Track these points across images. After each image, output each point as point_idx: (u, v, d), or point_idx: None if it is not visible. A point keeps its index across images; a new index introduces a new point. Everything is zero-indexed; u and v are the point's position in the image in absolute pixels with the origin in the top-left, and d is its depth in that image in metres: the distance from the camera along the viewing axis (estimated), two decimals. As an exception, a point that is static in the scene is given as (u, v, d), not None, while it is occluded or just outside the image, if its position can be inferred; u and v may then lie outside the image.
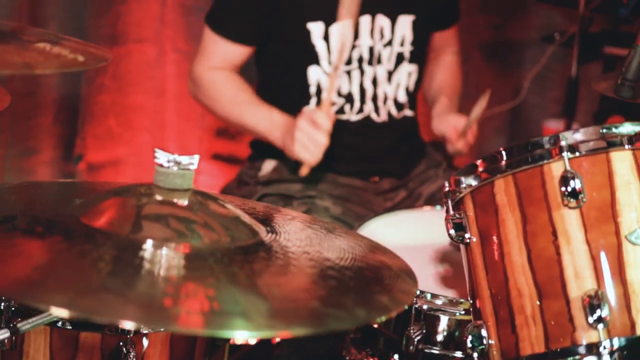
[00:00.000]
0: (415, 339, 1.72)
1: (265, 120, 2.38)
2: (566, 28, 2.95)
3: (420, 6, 2.44)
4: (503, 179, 1.43)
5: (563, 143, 1.38)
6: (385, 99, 2.43)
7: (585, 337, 1.34)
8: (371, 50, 2.40)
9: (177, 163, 1.34)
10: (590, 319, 1.33)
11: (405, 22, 2.42)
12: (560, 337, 1.35)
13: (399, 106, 2.45)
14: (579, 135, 1.39)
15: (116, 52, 3.07)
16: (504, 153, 1.45)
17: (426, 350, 1.73)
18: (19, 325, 1.35)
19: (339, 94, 2.39)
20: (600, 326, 1.33)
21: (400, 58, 2.43)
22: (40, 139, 3.07)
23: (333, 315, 1.08)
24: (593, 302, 1.33)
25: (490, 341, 1.43)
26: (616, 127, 1.40)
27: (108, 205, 1.33)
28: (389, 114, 2.43)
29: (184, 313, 1.12)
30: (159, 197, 1.33)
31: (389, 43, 2.42)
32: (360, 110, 2.42)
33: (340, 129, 2.37)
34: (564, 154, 1.37)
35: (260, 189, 2.44)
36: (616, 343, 1.32)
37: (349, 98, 2.40)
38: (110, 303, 1.12)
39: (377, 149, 2.42)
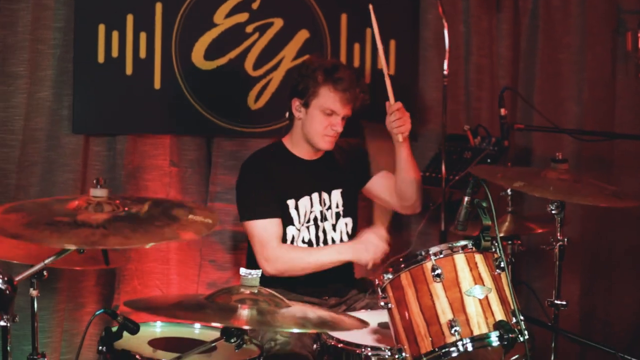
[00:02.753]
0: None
1: (334, 252, 3.72)
2: (436, 199, 4.25)
3: (345, 183, 3.90)
4: (404, 273, 2.91)
5: (431, 252, 2.87)
6: (333, 242, 3.88)
7: (450, 339, 2.79)
8: (321, 213, 3.85)
9: (251, 274, 2.76)
10: (452, 331, 2.79)
11: (336, 194, 3.88)
12: (439, 340, 2.80)
13: None
14: (438, 249, 2.89)
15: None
16: (402, 261, 2.93)
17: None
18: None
19: (303, 241, 3.82)
20: (456, 333, 2.78)
21: (338, 215, 3.89)
22: (86, 296, 4.32)
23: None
24: (452, 324, 2.80)
25: (405, 354, 2.87)
26: (456, 243, 2.90)
27: (221, 296, 2.74)
28: None
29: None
30: (243, 290, 2.75)
31: (329, 207, 3.90)
32: None
33: (305, 277, 3.78)
34: (432, 257, 2.87)
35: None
36: (464, 340, 2.78)
37: (309, 243, 3.80)
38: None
39: (327, 277, 3.85)
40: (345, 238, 3.91)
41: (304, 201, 3.82)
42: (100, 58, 4.16)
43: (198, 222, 2.63)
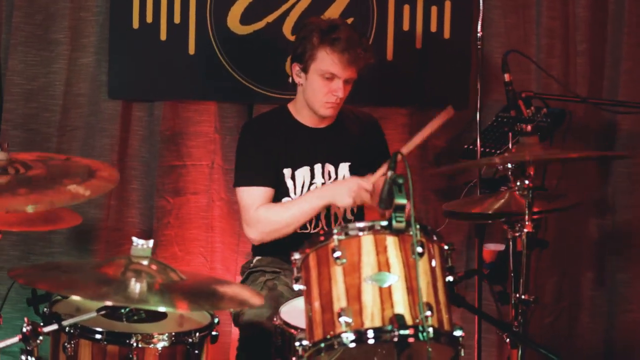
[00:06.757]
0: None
1: (314, 198, 3.46)
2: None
3: (354, 156, 3.65)
4: (312, 253, 2.65)
5: (334, 232, 2.60)
6: (337, 217, 3.66)
7: (339, 329, 2.49)
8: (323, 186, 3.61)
9: (143, 245, 2.64)
10: (341, 320, 2.50)
11: (344, 167, 3.65)
12: (329, 329, 2.51)
13: (348, 221, 3.62)
14: (342, 228, 2.61)
15: (178, 201, 4.27)
16: (318, 236, 2.67)
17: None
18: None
19: None
20: (344, 323, 2.50)
21: None
22: (126, 261, 4.42)
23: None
24: (342, 313, 2.50)
25: (304, 342, 2.62)
26: (366, 223, 2.60)
27: (115, 264, 2.64)
28: None
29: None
30: (134, 260, 2.64)
31: (335, 180, 3.67)
32: (317, 225, 3.63)
33: (302, 239, 3.60)
34: (335, 237, 2.59)
35: (251, 270, 3.68)
36: (349, 333, 2.49)
37: None
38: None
39: None
40: (349, 215, 3.68)
41: (303, 171, 3.62)
42: (135, 24, 4.17)
43: (72, 193, 2.54)
